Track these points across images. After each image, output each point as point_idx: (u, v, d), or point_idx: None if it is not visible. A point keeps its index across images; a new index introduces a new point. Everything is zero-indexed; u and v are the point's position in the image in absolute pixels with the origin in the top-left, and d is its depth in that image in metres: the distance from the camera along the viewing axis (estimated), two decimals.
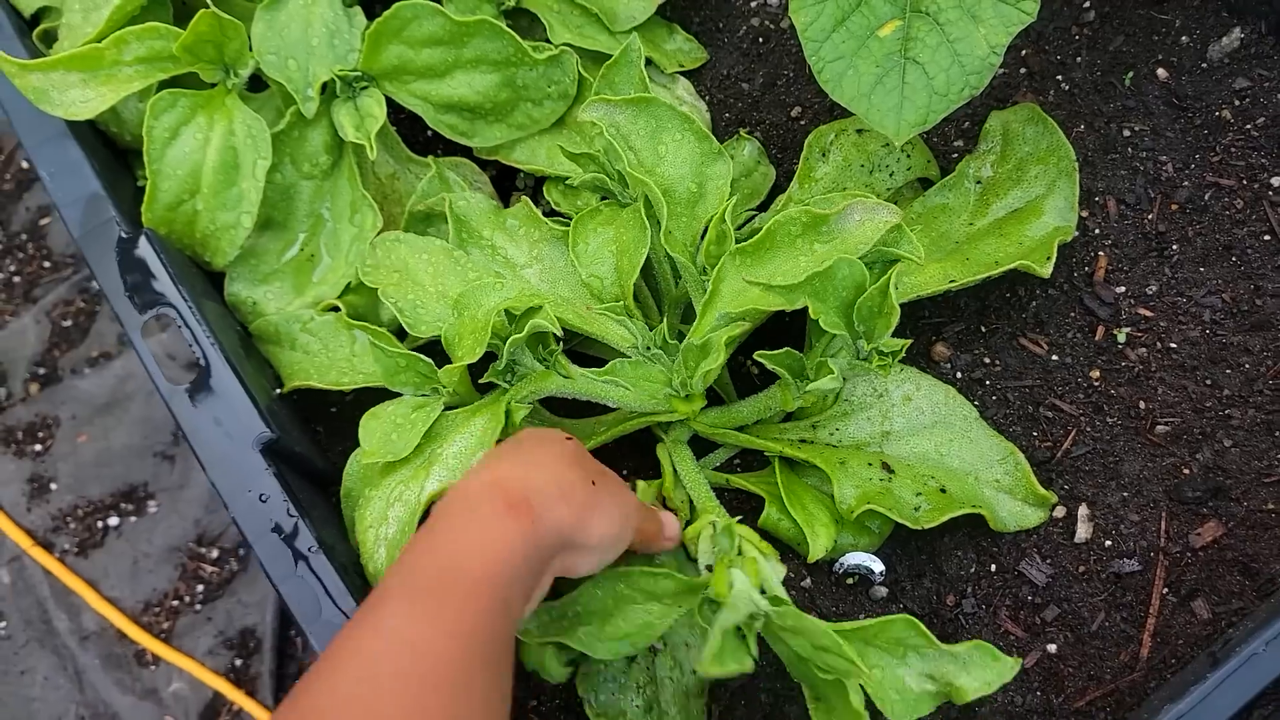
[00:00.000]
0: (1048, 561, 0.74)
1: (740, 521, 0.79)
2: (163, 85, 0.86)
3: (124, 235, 0.82)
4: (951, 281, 0.76)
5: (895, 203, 0.85)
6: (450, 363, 0.75)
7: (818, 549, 0.72)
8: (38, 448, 1.30)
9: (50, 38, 0.93)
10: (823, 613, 0.76)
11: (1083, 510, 0.75)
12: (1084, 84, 0.87)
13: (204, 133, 0.84)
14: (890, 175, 0.85)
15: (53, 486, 1.27)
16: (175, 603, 1.22)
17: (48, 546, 1.25)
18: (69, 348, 1.35)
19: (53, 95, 0.84)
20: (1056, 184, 0.80)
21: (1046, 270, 0.75)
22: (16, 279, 1.39)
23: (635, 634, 0.68)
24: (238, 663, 1.18)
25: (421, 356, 0.76)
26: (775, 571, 0.68)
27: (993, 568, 0.75)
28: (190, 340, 0.78)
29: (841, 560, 0.76)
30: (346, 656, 0.52)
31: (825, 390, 0.71)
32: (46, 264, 1.40)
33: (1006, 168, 0.82)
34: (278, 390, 0.84)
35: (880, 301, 0.69)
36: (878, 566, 0.76)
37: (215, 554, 1.24)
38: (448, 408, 0.78)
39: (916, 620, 0.62)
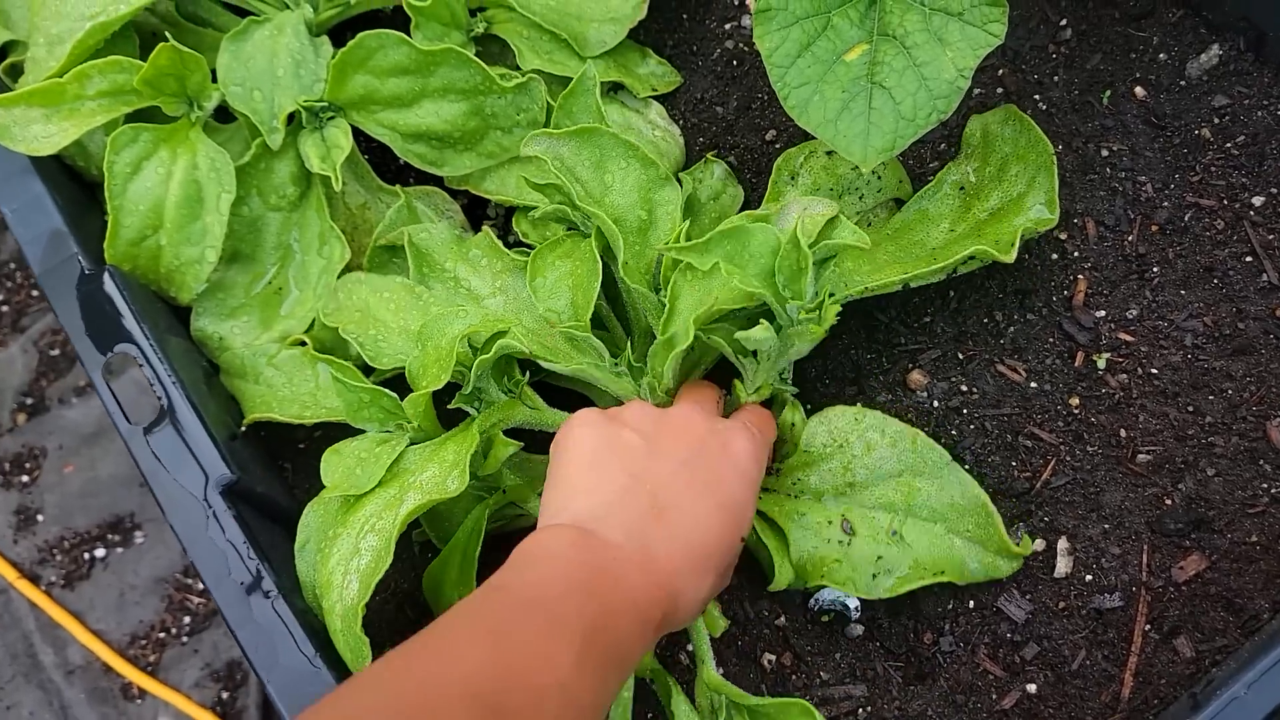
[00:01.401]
0: (1027, 597, 0.72)
1: None
2: (128, 119, 0.85)
3: (85, 272, 0.81)
4: (906, 274, 0.73)
5: (868, 224, 0.83)
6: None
7: (781, 579, 0.72)
8: (25, 478, 1.30)
9: (17, 72, 0.92)
10: (797, 652, 0.74)
11: (1062, 543, 0.73)
12: (1061, 103, 0.85)
13: (166, 167, 0.83)
14: (860, 198, 0.83)
15: (39, 518, 1.27)
16: (162, 635, 1.22)
17: (34, 579, 1.24)
18: (56, 377, 1.35)
19: (14, 131, 0.83)
20: (1036, 179, 0.77)
21: (1010, 255, 0.71)
22: (4, 308, 1.39)
23: None
24: (224, 695, 1.17)
25: (386, 391, 0.75)
26: (713, 625, 0.68)
27: (970, 604, 0.73)
28: (152, 379, 0.76)
29: (817, 596, 0.75)
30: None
31: (756, 340, 0.68)
32: (34, 293, 1.40)
33: (989, 170, 0.80)
34: (241, 426, 0.83)
35: (795, 256, 0.67)
36: (853, 603, 0.74)
37: (201, 585, 1.23)
38: (412, 443, 0.76)
39: (812, 708, 0.64)
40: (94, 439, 1.31)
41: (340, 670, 0.69)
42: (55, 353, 1.37)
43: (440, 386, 0.70)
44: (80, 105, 0.84)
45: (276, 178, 0.87)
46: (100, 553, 1.26)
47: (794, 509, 0.73)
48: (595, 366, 0.74)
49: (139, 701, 1.19)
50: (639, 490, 0.63)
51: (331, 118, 0.86)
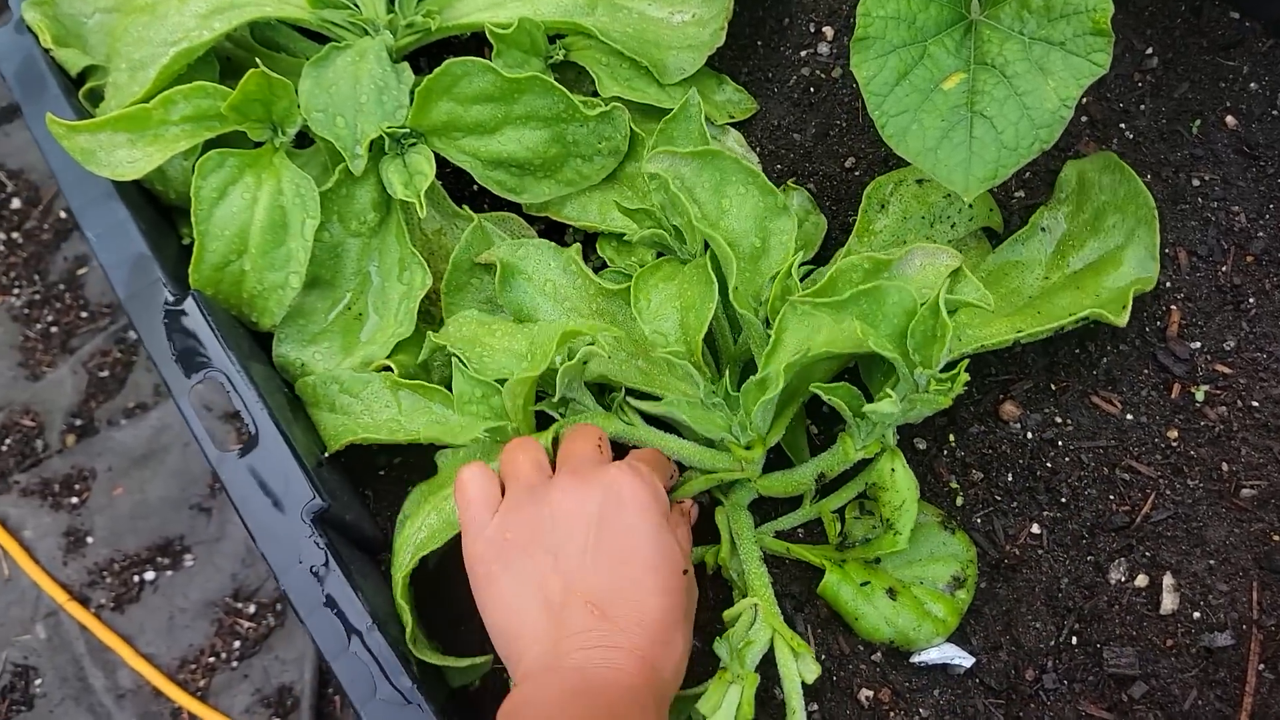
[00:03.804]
0: (1133, 634, 0.71)
1: (804, 593, 0.76)
2: (208, 144, 0.85)
3: (171, 297, 0.80)
4: (1019, 332, 0.73)
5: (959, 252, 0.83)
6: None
7: (862, 629, 0.71)
8: (74, 500, 1.29)
9: (96, 96, 0.92)
10: (895, 689, 0.73)
11: (1167, 579, 0.72)
12: (1149, 132, 0.85)
13: (252, 192, 0.83)
14: (952, 226, 0.82)
15: (89, 540, 1.27)
16: (211, 659, 1.21)
17: (84, 601, 1.23)
18: (105, 399, 1.34)
19: (100, 156, 0.83)
20: (1136, 233, 0.77)
21: (1123, 319, 0.71)
22: (54, 329, 1.39)
23: None
24: None
25: (497, 387, 0.75)
26: (807, 671, 0.67)
27: (1074, 640, 0.72)
28: (240, 406, 0.76)
29: (923, 656, 0.73)
30: None
31: (884, 414, 0.68)
32: (84, 314, 1.40)
33: (1083, 218, 0.79)
34: (324, 454, 0.82)
35: (932, 323, 0.66)
36: (967, 662, 0.72)
37: (252, 609, 1.23)
38: None
39: None
40: (144, 461, 1.31)
41: (432, 687, 0.69)
42: (104, 374, 1.36)
43: (538, 372, 0.70)
44: (164, 130, 0.84)
45: (357, 204, 0.87)
46: (150, 576, 1.25)
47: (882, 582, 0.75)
48: (686, 403, 0.73)
49: None
50: (570, 601, 0.63)
51: (413, 144, 0.86)
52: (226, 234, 0.83)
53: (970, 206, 0.83)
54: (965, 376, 0.65)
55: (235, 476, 0.74)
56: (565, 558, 0.64)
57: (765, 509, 0.80)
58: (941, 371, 0.66)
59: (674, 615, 0.64)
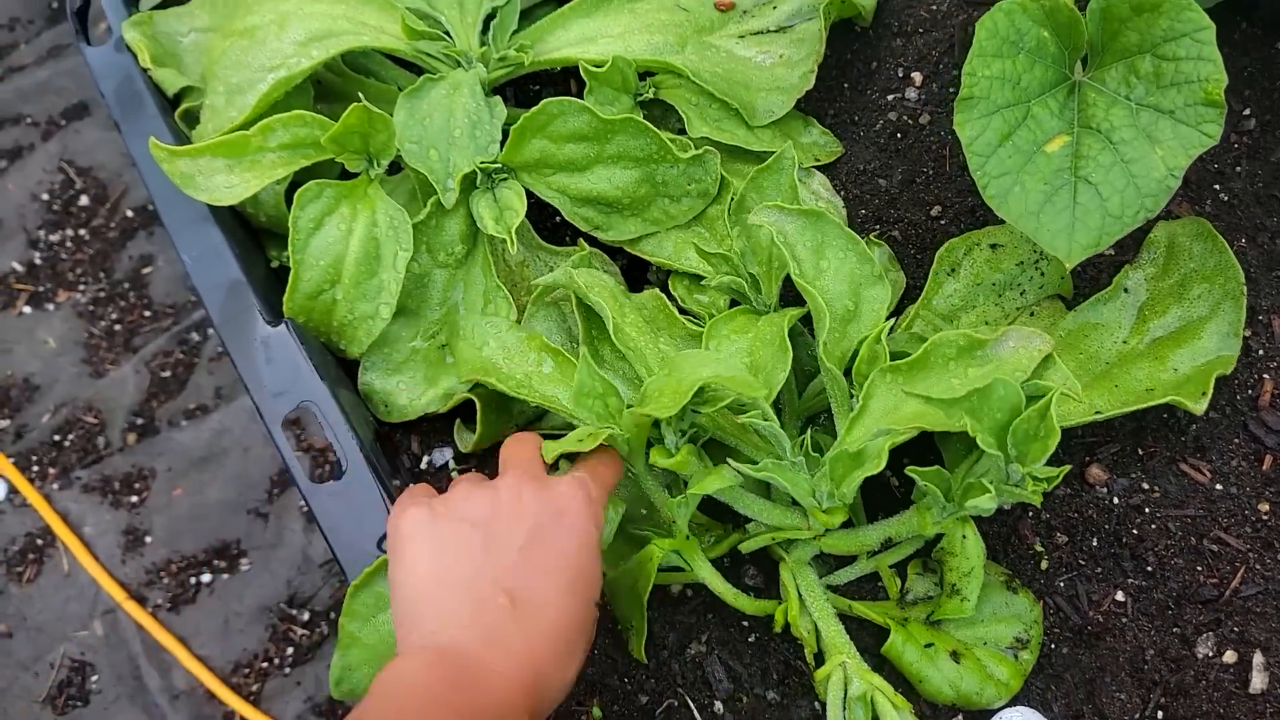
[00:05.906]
0: (1220, 711, 0.71)
1: (865, 650, 0.76)
2: (302, 172, 0.86)
3: (266, 324, 0.82)
4: (1098, 413, 0.73)
5: (1031, 314, 0.82)
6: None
7: (926, 690, 0.71)
8: (134, 499, 1.31)
9: (191, 118, 0.94)
10: None
11: (1257, 658, 0.71)
12: (1244, 195, 0.84)
13: (347, 223, 0.84)
14: (1021, 294, 0.82)
15: (147, 539, 1.28)
16: (265, 664, 1.22)
17: (141, 600, 1.25)
18: (167, 399, 1.36)
19: (199, 180, 0.85)
20: (1221, 306, 0.76)
21: (1200, 407, 0.71)
22: (117, 327, 1.41)
23: None
24: None
25: (617, 388, 0.74)
26: None
27: (1160, 714, 0.71)
28: (331, 436, 0.77)
29: (1000, 716, 0.73)
30: None
31: (981, 510, 0.68)
32: (147, 313, 1.41)
33: (1168, 283, 0.79)
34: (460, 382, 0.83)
35: (1038, 424, 0.66)
36: None
37: (306, 616, 1.23)
38: None
39: None
40: (203, 463, 1.32)
41: None
42: (166, 374, 1.38)
43: (668, 415, 0.69)
44: (262, 157, 0.85)
45: (446, 235, 0.88)
46: (206, 578, 1.26)
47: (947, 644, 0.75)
48: (776, 466, 0.73)
49: None
50: (486, 587, 0.63)
51: (504, 179, 0.87)
52: (321, 264, 0.84)
53: (1042, 274, 0.82)
54: (1058, 479, 0.65)
55: (325, 505, 0.75)
56: (498, 550, 0.64)
57: (818, 561, 0.80)
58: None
59: (576, 638, 0.65)
